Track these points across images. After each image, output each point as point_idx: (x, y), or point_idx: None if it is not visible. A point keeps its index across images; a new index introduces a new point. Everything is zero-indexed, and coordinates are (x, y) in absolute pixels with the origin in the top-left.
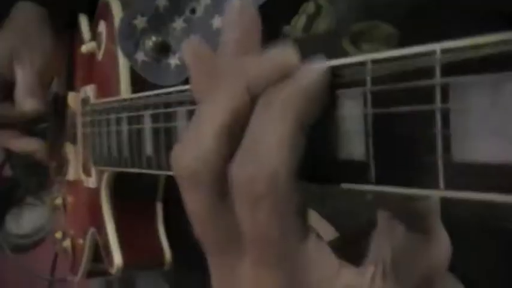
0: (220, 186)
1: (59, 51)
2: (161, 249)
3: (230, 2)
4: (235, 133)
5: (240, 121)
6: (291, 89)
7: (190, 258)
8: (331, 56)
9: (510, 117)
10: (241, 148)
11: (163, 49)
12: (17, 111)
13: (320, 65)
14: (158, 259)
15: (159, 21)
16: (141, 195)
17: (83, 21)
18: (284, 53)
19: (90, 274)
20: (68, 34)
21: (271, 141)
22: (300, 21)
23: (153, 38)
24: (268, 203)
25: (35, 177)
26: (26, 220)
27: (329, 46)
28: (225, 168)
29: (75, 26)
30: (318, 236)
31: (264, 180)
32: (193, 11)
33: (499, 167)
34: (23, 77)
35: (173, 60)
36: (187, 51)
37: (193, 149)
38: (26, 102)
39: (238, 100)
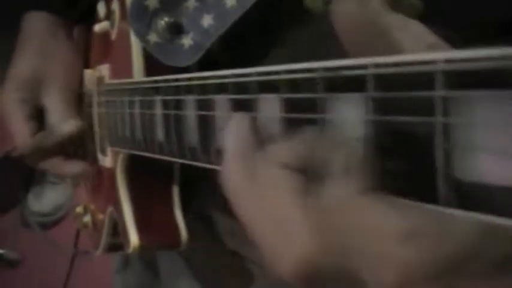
0: None
1: (78, 56)
2: (177, 230)
3: None
4: None
5: None
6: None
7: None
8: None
9: (501, 134)
10: None
11: (176, 29)
12: (56, 136)
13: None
14: (174, 239)
15: (171, 1)
16: (157, 176)
17: (100, 3)
18: None
19: (110, 249)
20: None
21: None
22: None
23: (166, 18)
24: None
25: None
26: (47, 198)
27: None
28: None
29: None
30: None
31: None
32: None
33: (500, 189)
34: (52, 101)
35: (186, 41)
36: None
37: None
38: (64, 126)
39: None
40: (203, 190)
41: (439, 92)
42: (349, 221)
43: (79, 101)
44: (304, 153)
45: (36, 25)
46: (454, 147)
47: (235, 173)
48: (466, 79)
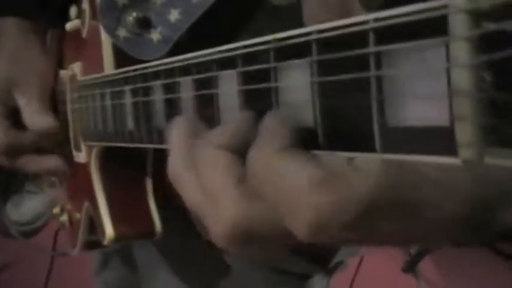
0: None
1: (51, 60)
2: (151, 220)
3: None
4: None
5: None
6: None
7: (181, 228)
8: None
9: (433, 82)
10: None
11: (145, 24)
12: (30, 134)
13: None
14: (149, 229)
15: None
16: (130, 168)
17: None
18: None
19: (88, 246)
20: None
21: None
22: None
23: (134, 14)
24: None
25: None
26: (26, 207)
27: None
28: None
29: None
30: None
31: None
32: None
33: (424, 130)
34: (25, 102)
35: (155, 35)
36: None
37: None
38: (38, 122)
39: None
40: None
41: (371, 49)
42: (270, 177)
43: (54, 103)
44: (235, 131)
45: (8, 31)
46: (386, 97)
47: (176, 160)
48: (393, 34)
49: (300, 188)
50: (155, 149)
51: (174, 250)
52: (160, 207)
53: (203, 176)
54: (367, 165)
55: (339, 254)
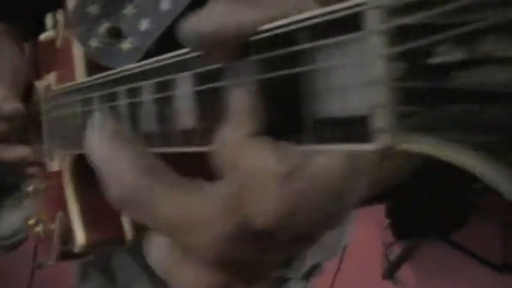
0: None
1: (25, 61)
2: (123, 227)
3: None
4: None
5: None
6: None
7: None
8: None
9: (355, 74)
10: None
11: (116, 34)
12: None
13: None
14: (120, 237)
15: (110, 8)
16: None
17: (48, 15)
18: None
19: (63, 257)
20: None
21: None
22: None
23: (106, 24)
24: None
25: (11, 178)
26: (5, 222)
27: None
28: None
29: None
30: None
31: None
32: None
33: (348, 119)
34: None
35: (125, 44)
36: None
37: None
38: (6, 106)
39: None
40: None
41: (304, 45)
42: (237, 159)
43: (27, 104)
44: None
45: None
46: (317, 89)
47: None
48: (323, 32)
49: (268, 178)
50: None
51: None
52: None
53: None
54: (328, 158)
55: (313, 256)
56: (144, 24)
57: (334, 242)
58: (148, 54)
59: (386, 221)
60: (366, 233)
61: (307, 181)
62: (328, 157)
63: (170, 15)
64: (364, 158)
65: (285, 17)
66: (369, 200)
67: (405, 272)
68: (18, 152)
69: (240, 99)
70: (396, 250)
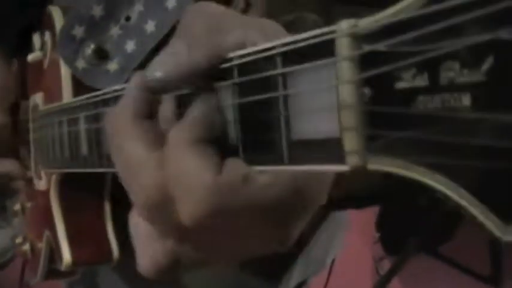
0: None
1: (12, 77)
2: (109, 245)
3: (162, 6)
4: None
5: None
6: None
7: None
8: None
9: (326, 97)
10: None
11: (102, 55)
12: None
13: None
14: (106, 255)
15: (96, 30)
16: (88, 194)
17: (35, 35)
18: None
19: (50, 275)
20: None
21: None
22: None
23: (92, 46)
24: None
25: None
26: None
27: None
28: None
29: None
30: None
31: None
32: (128, 19)
33: (320, 141)
34: None
35: (112, 65)
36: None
37: None
38: None
39: None
40: None
41: (279, 70)
42: (175, 162)
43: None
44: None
45: None
46: (291, 113)
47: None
48: (296, 57)
49: (197, 180)
50: (113, 174)
51: (138, 277)
52: (120, 232)
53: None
54: (270, 178)
55: (300, 272)
56: (130, 45)
57: (322, 255)
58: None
59: (376, 235)
60: (356, 248)
61: (239, 196)
62: (270, 177)
63: (155, 36)
64: (312, 179)
65: (253, 44)
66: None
67: (395, 286)
68: (3, 166)
69: (196, 107)
70: (386, 264)
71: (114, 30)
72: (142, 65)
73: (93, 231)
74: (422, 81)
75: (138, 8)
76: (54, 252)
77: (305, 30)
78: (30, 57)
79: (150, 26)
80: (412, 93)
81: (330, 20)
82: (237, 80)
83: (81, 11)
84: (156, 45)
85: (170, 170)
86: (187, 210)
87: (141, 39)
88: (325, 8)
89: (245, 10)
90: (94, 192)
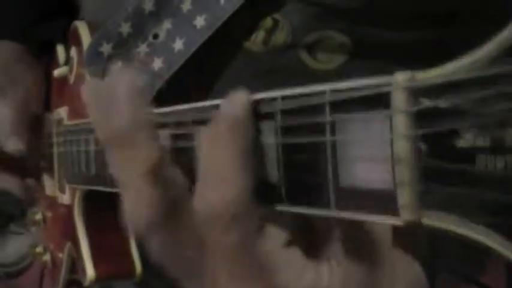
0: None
1: (39, 86)
2: (132, 261)
3: (190, 25)
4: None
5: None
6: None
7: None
8: (290, 66)
9: (379, 149)
10: (198, 184)
11: None
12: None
13: (241, 97)
14: (129, 271)
15: (123, 47)
16: (112, 210)
17: (60, 48)
18: None
19: (70, 286)
20: (45, 62)
21: (224, 170)
22: (259, 36)
23: (119, 63)
24: (237, 224)
25: (16, 205)
26: (11, 249)
27: (287, 57)
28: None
29: (51, 53)
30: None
31: (228, 205)
32: (155, 36)
33: (371, 191)
34: (6, 114)
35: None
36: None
37: None
38: (9, 141)
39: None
40: None
41: (327, 117)
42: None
43: (39, 141)
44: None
45: (3, 53)
46: (339, 159)
47: None
48: (347, 104)
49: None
50: None
51: None
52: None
53: None
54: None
55: None
56: (157, 63)
57: None
58: (159, 93)
59: None
60: None
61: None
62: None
63: (183, 55)
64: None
65: None
66: None
67: None
68: (9, 183)
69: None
70: None
71: (142, 48)
72: (168, 83)
73: (117, 247)
74: (483, 142)
75: (166, 25)
76: (75, 263)
77: (332, 51)
78: (56, 73)
79: (178, 44)
80: (472, 152)
81: (357, 40)
82: (280, 122)
83: (109, 28)
84: (184, 64)
85: None
86: None
87: (168, 57)
88: (353, 28)
89: (272, 29)
90: (117, 210)
